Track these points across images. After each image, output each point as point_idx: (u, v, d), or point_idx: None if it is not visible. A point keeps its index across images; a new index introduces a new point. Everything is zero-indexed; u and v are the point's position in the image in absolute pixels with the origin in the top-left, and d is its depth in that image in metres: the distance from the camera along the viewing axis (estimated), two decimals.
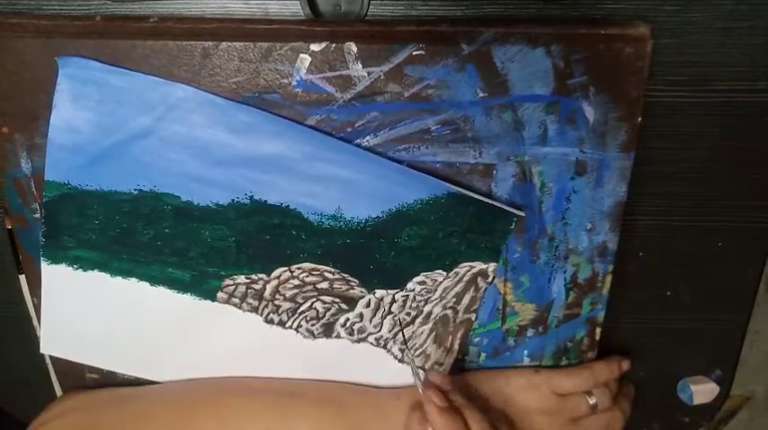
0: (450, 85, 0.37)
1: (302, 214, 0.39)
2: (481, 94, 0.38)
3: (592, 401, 0.43)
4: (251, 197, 0.39)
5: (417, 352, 0.44)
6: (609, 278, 0.43)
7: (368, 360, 0.44)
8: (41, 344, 0.44)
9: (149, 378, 0.45)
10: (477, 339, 0.44)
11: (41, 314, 0.42)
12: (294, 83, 0.37)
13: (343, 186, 0.38)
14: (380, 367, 0.44)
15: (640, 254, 0.45)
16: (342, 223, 0.39)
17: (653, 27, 0.37)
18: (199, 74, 0.37)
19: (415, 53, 0.36)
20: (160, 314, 0.42)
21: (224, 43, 0.36)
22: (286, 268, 0.41)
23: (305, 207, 0.39)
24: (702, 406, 0.50)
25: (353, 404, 0.43)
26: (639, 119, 0.38)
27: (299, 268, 0.41)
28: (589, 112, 0.38)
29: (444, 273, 0.41)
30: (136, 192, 0.39)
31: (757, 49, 0.39)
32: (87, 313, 0.42)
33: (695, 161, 0.42)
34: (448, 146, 0.39)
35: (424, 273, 0.41)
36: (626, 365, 0.46)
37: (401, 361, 0.44)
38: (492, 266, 0.41)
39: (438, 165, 0.39)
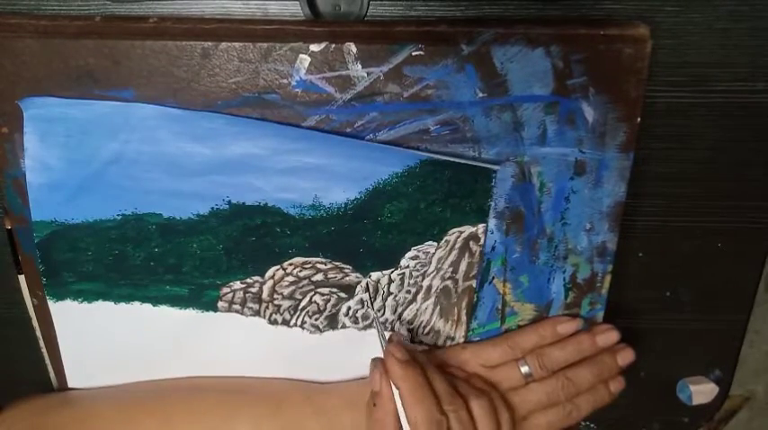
0: (449, 85, 0.37)
1: (282, 210, 0.39)
2: (480, 95, 0.38)
3: (524, 369, 0.42)
4: (229, 202, 0.39)
5: (426, 329, 0.43)
6: (608, 278, 0.43)
7: (378, 345, 0.43)
8: (68, 380, 0.45)
9: None
10: (476, 339, 0.44)
11: (61, 352, 0.44)
12: (294, 83, 0.37)
13: (316, 174, 0.38)
14: None
15: (640, 254, 0.45)
16: (322, 211, 0.39)
17: (652, 27, 0.37)
18: (198, 74, 0.37)
19: (414, 53, 0.36)
20: (168, 332, 0.43)
21: (223, 43, 0.36)
22: (278, 266, 0.41)
23: (283, 202, 0.39)
24: (702, 406, 0.50)
25: (294, 402, 0.43)
26: (639, 119, 0.39)
27: (290, 264, 0.41)
28: (588, 113, 0.38)
29: (435, 244, 0.41)
30: (119, 218, 0.39)
31: (757, 50, 0.39)
32: (102, 342, 0.43)
33: (695, 161, 0.42)
34: (447, 146, 0.39)
35: (415, 248, 0.41)
36: (564, 328, 0.43)
37: (412, 341, 0.44)
38: (481, 228, 0.41)
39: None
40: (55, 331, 0.43)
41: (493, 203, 0.40)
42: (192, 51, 0.36)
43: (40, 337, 0.44)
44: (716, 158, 0.42)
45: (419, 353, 0.40)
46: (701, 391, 0.49)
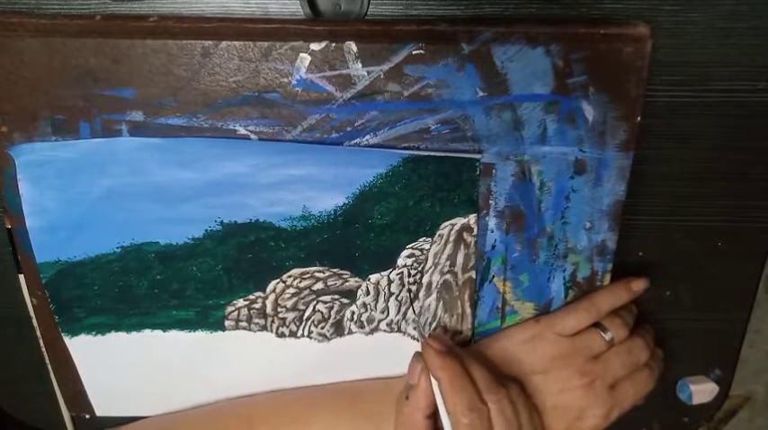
0: (449, 84, 0.37)
1: (273, 224, 0.40)
2: (481, 94, 0.38)
3: (607, 336, 0.40)
4: (221, 222, 0.40)
5: (433, 326, 0.43)
6: (608, 277, 0.43)
7: (386, 348, 0.44)
8: (95, 410, 0.46)
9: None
10: (476, 338, 0.44)
11: (84, 383, 0.45)
12: (294, 82, 0.37)
13: (302, 185, 0.39)
14: (400, 351, 0.43)
15: (640, 253, 0.45)
16: (313, 221, 0.40)
17: (652, 27, 0.37)
18: (198, 73, 0.37)
19: (414, 52, 0.36)
20: (182, 355, 0.44)
21: (224, 42, 0.36)
22: (278, 280, 0.41)
23: (273, 216, 0.40)
24: (702, 406, 0.50)
25: (370, 393, 0.42)
26: (639, 118, 0.39)
27: (289, 276, 0.41)
28: (588, 112, 0.38)
29: (429, 240, 0.41)
30: (119, 250, 0.40)
31: (757, 49, 0.39)
32: (122, 371, 0.44)
33: (695, 161, 0.42)
34: (447, 145, 0.39)
35: (410, 246, 0.41)
36: (638, 286, 0.42)
37: (419, 339, 0.44)
38: (473, 218, 0.41)
39: None
40: (59, 334, 0.43)
41: (493, 202, 0.40)
42: (193, 50, 0.36)
43: (40, 337, 0.44)
44: (716, 158, 0.42)
45: (457, 347, 0.40)
46: (702, 391, 0.49)
